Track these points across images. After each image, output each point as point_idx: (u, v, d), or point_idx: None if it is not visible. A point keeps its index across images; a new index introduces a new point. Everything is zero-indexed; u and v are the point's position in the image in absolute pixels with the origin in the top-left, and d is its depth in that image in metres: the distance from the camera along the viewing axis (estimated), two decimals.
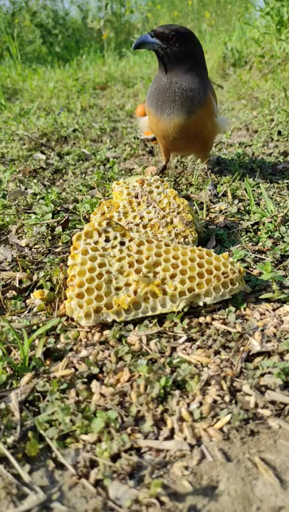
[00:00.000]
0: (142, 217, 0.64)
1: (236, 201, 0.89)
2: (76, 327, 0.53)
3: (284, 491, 0.34)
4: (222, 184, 1.01)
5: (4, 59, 3.64)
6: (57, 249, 0.72)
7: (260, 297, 0.56)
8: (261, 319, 0.53)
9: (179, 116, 0.86)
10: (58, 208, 0.89)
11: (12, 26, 4.71)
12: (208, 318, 0.53)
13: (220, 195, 0.94)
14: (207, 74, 0.90)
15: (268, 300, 0.57)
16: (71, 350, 0.49)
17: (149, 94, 0.90)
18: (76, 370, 0.46)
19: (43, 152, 1.35)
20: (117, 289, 0.52)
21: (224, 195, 0.95)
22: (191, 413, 0.40)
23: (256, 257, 0.67)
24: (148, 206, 0.65)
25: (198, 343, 0.49)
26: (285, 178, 1.04)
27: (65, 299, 0.57)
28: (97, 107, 2.12)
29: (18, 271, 0.65)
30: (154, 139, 1.33)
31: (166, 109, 0.86)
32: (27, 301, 0.59)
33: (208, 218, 0.82)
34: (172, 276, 0.53)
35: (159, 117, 0.88)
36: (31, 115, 1.82)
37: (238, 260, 0.65)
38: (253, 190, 0.95)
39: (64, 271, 0.60)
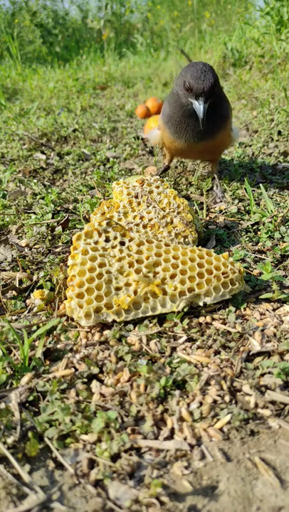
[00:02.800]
0: (142, 217, 0.64)
1: (236, 201, 0.89)
2: (76, 327, 0.53)
3: (284, 491, 0.34)
4: (222, 184, 1.01)
5: (4, 59, 3.64)
6: (57, 249, 0.72)
7: (260, 297, 0.56)
8: (261, 319, 0.53)
9: (200, 142, 0.83)
10: (58, 208, 0.89)
11: (12, 26, 4.71)
12: (208, 318, 0.53)
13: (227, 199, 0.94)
14: (223, 93, 0.84)
15: (268, 300, 0.57)
16: (71, 350, 0.49)
17: (167, 114, 0.83)
18: (76, 370, 0.46)
19: (43, 152, 1.35)
20: (117, 289, 0.52)
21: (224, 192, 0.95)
22: (191, 413, 0.40)
23: (256, 257, 0.67)
24: (148, 206, 0.65)
25: (198, 343, 0.49)
26: (285, 178, 1.04)
27: (65, 299, 0.57)
28: (97, 107, 2.12)
29: (18, 271, 0.65)
30: None
31: (185, 135, 0.82)
32: (27, 301, 0.59)
33: (208, 218, 0.82)
34: (172, 276, 0.53)
35: (176, 140, 0.84)
36: (31, 115, 1.82)
37: (238, 260, 0.65)
38: (253, 190, 0.95)
39: (64, 271, 0.60)
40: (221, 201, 0.90)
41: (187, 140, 0.83)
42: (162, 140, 0.91)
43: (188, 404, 0.41)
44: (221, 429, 0.39)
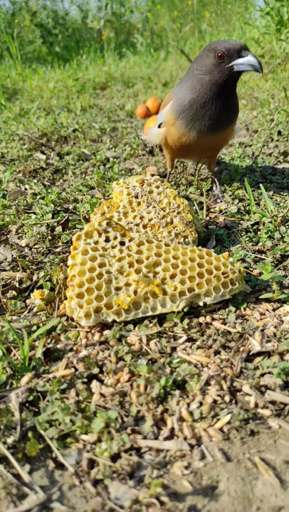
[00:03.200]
0: (142, 217, 0.64)
1: (236, 201, 0.89)
2: (76, 327, 0.53)
3: (284, 491, 0.34)
4: (222, 184, 1.01)
5: (4, 59, 3.64)
6: (57, 249, 0.72)
7: (260, 297, 0.56)
8: (261, 319, 0.53)
9: (210, 133, 0.81)
10: (58, 208, 0.89)
11: (12, 26, 4.71)
12: (208, 318, 0.53)
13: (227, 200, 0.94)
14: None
15: (268, 300, 0.57)
16: (71, 350, 0.49)
17: (182, 104, 0.80)
18: (76, 370, 0.46)
19: (43, 152, 1.35)
20: (117, 289, 0.52)
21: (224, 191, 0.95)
22: (191, 413, 0.40)
23: (256, 257, 0.67)
24: (148, 206, 0.65)
25: (198, 343, 0.49)
26: (285, 178, 1.04)
27: (65, 299, 0.57)
28: (97, 107, 2.12)
29: (18, 271, 0.65)
30: None
31: (199, 125, 0.80)
32: (27, 301, 0.59)
33: (208, 218, 0.82)
34: (172, 276, 0.53)
35: (187, 132, 0.81)
36: (31, 115, 1.82)
37: (238, 260, 0.65)
38: (253, 190, 0.95)
39: (64, 271, 0.60)
40: (221, 201, 0.90)
41: (199, 132, 0.80)
42: (165, 138, 0.87)
43: (188, 404, 0.41)
44: (221, 429, 0.39)
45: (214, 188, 0.93)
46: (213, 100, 0.78)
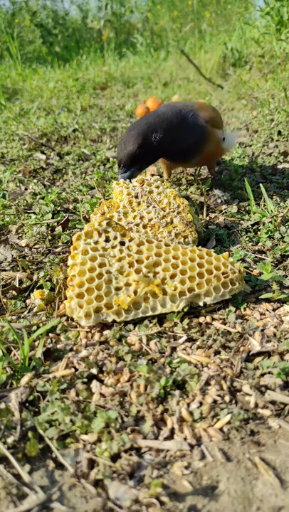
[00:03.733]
0: (142, 217, 0.64)
1: (236, 201, 0.89)
2: (76, 327, 0.53)
3: (284, 491, 0.34)
4: (222, 185, 1.01)
5: (4, 59, 3.64)
6: (57, 249, 0.72)
7: (260, 297, 0.56)
8: (261, 319, 0.53)
9: (186, 163, 0.86)
10: (58, 208, 0.89)
11: (12, 26, 4.71)
12: (208, 318, 0.53)
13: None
14: (196, 109, 0.81)
15: (268, 300, 0.57)
16: (71, 350, 0.49)
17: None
18: (76, 370, 0.46)
19: (43, 152, 1.35)
20: (117, 289, 0.52)
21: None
22: (191, 413, 0.40)
23: (256, 257, 0.67)
24: (148, 206, 0.65)
25: (198, 343, 0.49)
26: (285, 178, 1.04)
27: (65, 299, 0.57)
28: (97, 107, 2.12)
29: (18, 271, 0.65)
30: None
31: (171, 159, 0.84)
32: (27, 301, 0.59)
33: (208, 218, 0.82)
34: (172, 276, 0.53)
35: (166, 161, 0.88)
36: (31, 115, 1.82)
37: (238, 260, 0.65)
38: (253, 190, 0.95)
39: (64, 271, 0.60)
40: (221, 201, 0.90)
41: (177, 162, 0.85)
42: None
43: (188, 404, 0.41)
44: (221, 429, 0.39)
45: (214, 189, 0.94)
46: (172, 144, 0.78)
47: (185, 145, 0.79)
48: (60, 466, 0.36)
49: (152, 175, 1.03)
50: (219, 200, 0.91)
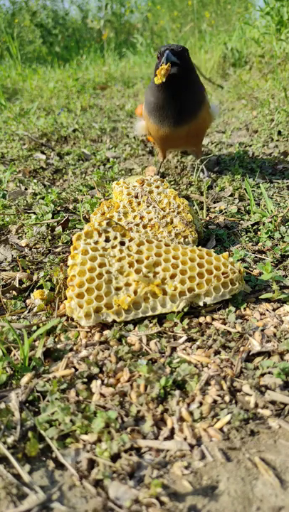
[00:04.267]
0: (142, 217, 0.64)
1: (236, 201, 0.89)
2: (76, 327, 0.53)
3: (284, 491, 0.34)
4: (223, 184, 1.01)
5: (4, 59, 3.64)
6: (57, 249, 0.72)
7: (260, 297, 0.56)
8: (261, 319, 0.53)
9: (181, 125, 0.88)
10: (58, 208, 0.89)
11: (12, 26, 4.71)
12: (208, 318, 0.53)
13: (218, 191, 0.95)
14: (197, 75, 0.90)
15: (268, 300, 0.57)
16: (71, 350, 0.49)
17: (149, 103, 0.89)
18: (76, 370, 0.46)
19: (43, 152, 1.35)
20: (117, 289, 0.52)
21: (222, 189, 0.95)
22: (191, 413, 0.40)
23: (256, 257, 0.67)
24: (148, 206, 0.65)
25: (198, 343, 0.49)
26: (285, 178, 1.04)
27: (65, 299, 0.57)
28: (97, 107, 2.12)
29: (18, 271, 0.65)
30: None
31: (167, 122, 0.87)
32: (27, 301, 0.59)
33: (208, 218, 0.82)
34: (172, 276, 0.53)
35: (160, 127, 0.89)
36: (31, 115, 1.82)
37: (238, 260, 0.65)
38: (253, 190, 0.95)
39: (64, 271, 0.60)
40: (205, 179, 0.96)
41: (170, 125, 0.88)
42: (148, 130, 0.95)
43: (188, 404, 0.41)
44: (221, 429, 0.39)
45: (201, 174, 1.00)
46: (170, 100, 0.85)
47: (192, 91, 0.86)
48: (60, 466, 0.36)
49: (152, 175, 1.03)
50: (205, 180, 0.96)
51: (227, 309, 0.54)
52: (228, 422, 0.39)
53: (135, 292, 0.52)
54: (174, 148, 1.05)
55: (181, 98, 0.85)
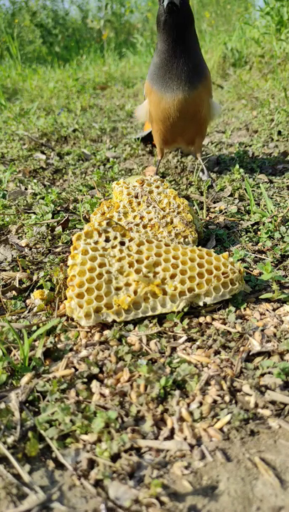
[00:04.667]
0: (142, 217, 0.64)
1: (236, 201, 0.89)
2: (76, 327, 0.53)
3: (284, 491, 0.34)
4: (223, 184, 1.01)
5: (4, 59, 3.64)
6: (57, 249, 0.72)
7: (260, 297, 0.56)
8: (261, 319, 0.53)
9: (184, 92, 0.87)
10: (58, 208, 0.89)
11: (12, 26, 4.71)
12: (208, 318, 0.53)
13: (217, 190, 0.95)
14: (197, 41, 0.90)
15: (268, 300, 0.57)
16: (71, 350, 0.49)
17: (153, 70, 0.89)
18: (76, 370, 0.46)
19: (43, 152, 1.35)
20: (117, 289, 0.52)
21: (222, 189, 0.95)
22: (191, 413, 0.40)
23: (256, 257, 0.67)
24: (148, 206, 0.65)
25: (198, 343, 0.49)
26: (285, 178, 1.04)
27: (65, 299, 0.57)
28: (97, 107, 2.12)
29: (18, 271, 0.65)
30: (150, 137, 1.32)
31: (171, 84, 0.87)
32: (27, 301, 0.59)
33: (208, 218, 0.82)
34: (172, 276, 0.53)
35: (163, 95, 0.88)
36: (31, 115, 1.82)
37: (238, 260, 0.65)
38: (253, 191, 0.95)
39: (64, 271, 0.60)
40: (205, 180, 0.96)
41: (174, 91, 0.87)
42: (150, 109, 0.94)
43: (188, 404, 0.41)
44: (221, 429, 0.39)
45: (201, 174, 0.98)
46: (174, 54, 0.85)
47: (199, 58, 0.87)
48: (60, 466, 0.36)
49: (152, 175, 1.03)
50: (204, 178, 0.96)
51: (227, 309, 0.54)
52: (228, 422, 0.39)
53: (135, 292, 0.52)
54: (174, 143, 1.03)
55: (187, 56, 0.85)
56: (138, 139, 1.39)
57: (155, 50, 0.89)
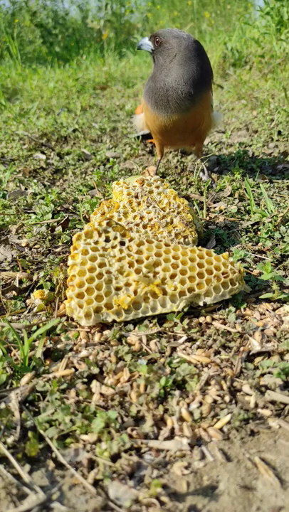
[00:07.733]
0: (142, 217, 0.64)
1: (236, 201, 0.89)
2: (76, 327, 0.53)
3: (284, 491, 0.34)
4: (223, 184, 1.01)
5: (4, 59, 3.64)
6: (57, 249, 0.72)
7: (260, 297, 0.56)
8: (261, 319, 0.53)
9: (178, 114, 0.87)
10: (58, 208, 0.89)
11: (12, 26, 4.71)
12: (208, 318, 0.53)
13: (217, 190, 0.95)
14: (208, 66, 0.88)
15: (268, 300, 0.57)
16: (71, 350, 0.49)
17: (147, 91, 0.90)
18: (76, 370, 0.46)
19: (43, 152, 1.35)
20: (117, 289, 0.52)
21: (222, 189, 0.95)
22: (191, 413, 0.40)
23: (256, 257, 0.67)
24: (148, 206, 0.65)
25: (198, 343, 0.49)
26: (285, 178, 1.04)
27: (65, 299, 0.57)
28: (97, 107, 2.12)
29: (18, 271, 0.65)
30: (149, 135, 1.32)
31: (164, 107, 0.87)
32: (27, 301, 0.59)
33: (208, 218, 0.82)
34: (172, 276, 0.53)
35: (158, 115, 0.88)
36: (31, 115, 1.82)
37: (238, 260, 0.65)
38: (253, 191, 0.95)
39: (64, 271, 0.60)
40: (205, 180, 0.96)
41: (167, 113, 0.87)
42: (146, 122, 0.95)
43: (188, 404, 0.41)
44: (221, 429, 0.39)
45: (201, 174, 0.99)
46: (166, 90, 0.85)
47: (190, 85, 0.86)
48: (60, 466, 0.36)
49: (152, 175, 1.03)
50: (204, 178, 0.97)
51: (227, 309, 0.54)
52: (228, 422, 0.39)
53: (135, 292, 0.52)
54: (174, 146, 1.04)
55: (174, 86, 0.84)
56: (138, 137, 1.39)
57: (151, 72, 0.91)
